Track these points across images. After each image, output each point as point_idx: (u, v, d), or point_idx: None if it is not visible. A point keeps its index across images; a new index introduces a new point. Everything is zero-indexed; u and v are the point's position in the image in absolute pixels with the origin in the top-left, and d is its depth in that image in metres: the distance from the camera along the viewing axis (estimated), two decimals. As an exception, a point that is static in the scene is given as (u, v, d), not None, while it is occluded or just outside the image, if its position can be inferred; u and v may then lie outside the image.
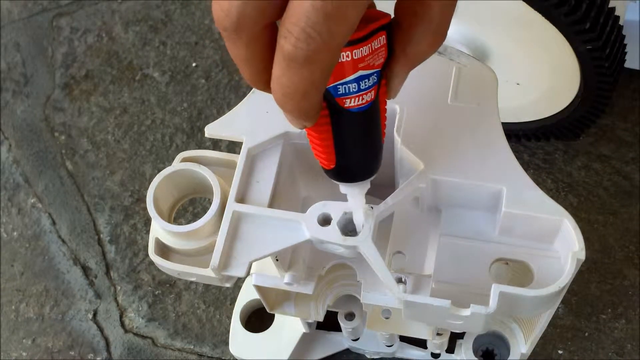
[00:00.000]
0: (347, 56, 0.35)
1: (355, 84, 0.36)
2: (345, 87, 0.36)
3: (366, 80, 0.37)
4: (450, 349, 0.67)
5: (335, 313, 0.62)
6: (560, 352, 0.71)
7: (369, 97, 0.37)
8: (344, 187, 0.42)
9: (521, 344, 0.64)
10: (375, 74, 0.37)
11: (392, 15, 0.37)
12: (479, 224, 0.48)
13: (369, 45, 0.36)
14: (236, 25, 0.32)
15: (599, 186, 0.77)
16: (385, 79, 0.38)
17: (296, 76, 0.32)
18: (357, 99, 0.37)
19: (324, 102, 0.37)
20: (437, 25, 0.36)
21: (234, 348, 0.70)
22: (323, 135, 0.39)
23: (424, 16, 0.36)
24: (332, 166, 0.40)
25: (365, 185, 0.42)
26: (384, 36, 0.36)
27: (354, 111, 0.37)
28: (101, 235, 0.80)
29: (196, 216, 0.78)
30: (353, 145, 0.39)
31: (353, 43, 0.35)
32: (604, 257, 0.74)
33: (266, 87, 0.35)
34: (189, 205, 0.78)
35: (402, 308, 0.46)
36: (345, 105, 0.37)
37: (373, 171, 0.41)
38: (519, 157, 0.75)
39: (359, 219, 0.44)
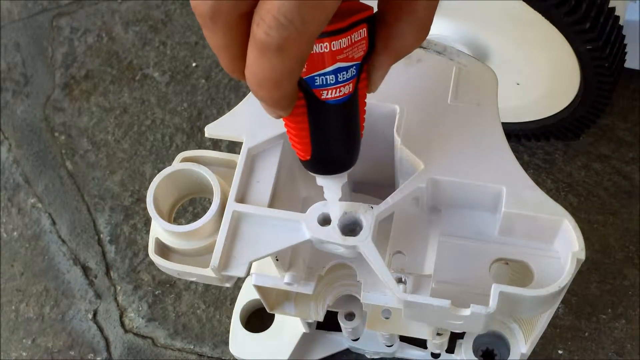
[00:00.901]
0: (326, 47, 0.35)
1: (333, 75, 0.36)
2: (322, 79, 0.36)
3: (344, 72, 0.36)
4: (450, 349, 0.67)
5: (335, 313, 0.62)
6: (560, 352, 0.71)
7: (346, 89, 0.37)
8: (320, 179, 0.42)
9: (521, 344, 0.64)
10: (354, 67, 0.36)
11: (375, 9, 0.37)
12: (479, 224, 0.48)
13: (349, 37, 0.35)
14: (212, 12, 0.32)
15: (599, 186, 0.77)
16: (366, 73, 0.38)
17: (268, 64, 0.32)
18: (334, 91, 0.36)
19: (300, 93, 0.36)
20: (421, 20, 0.36)
21: (234, 348, 0.70)
22: (299, 125, 0.38)
23: (409, 11, 0.35)
24: (308, 157, 0.40)
25: (342, 178, 0.42)
26: (364, 29, 0.36)
27: (331, 103, 0.37)
28: (101, 235, 0.80)
29: (196, 216, 0.78)
30: (329, 138, 0.39)
31: (332, 34, 0.35)
32: (604, 257, 0.74)
33: (242, 75, 0.34)
34: (189, 205, 0.78)
35: (402, 308, 0.46)
36: (322, 97, 0.37)
37: (349, 164, 0.41)
38: (519, 157, 0.75)
39: (334, 212, 0.44)
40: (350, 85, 0.37)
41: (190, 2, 0.32)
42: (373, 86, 0.39)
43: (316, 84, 0.36)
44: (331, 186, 0.42)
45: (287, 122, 0.39)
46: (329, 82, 0.36)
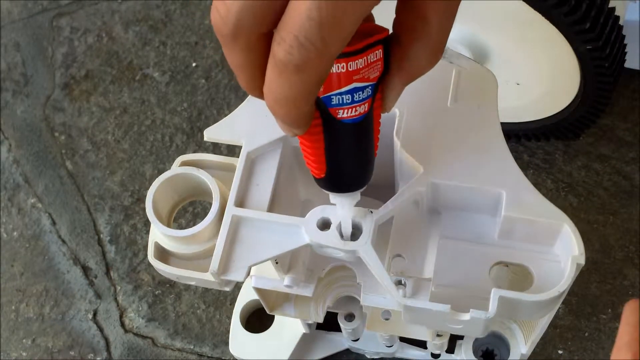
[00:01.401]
0: (343, 67, 0.35)
1: (349, 95, 0.36)
2: (339, 98, 0.36)
3: (360, 92, 0.37)
4: (450, 349, 0.67)
5: (335, 313, 0.62)
6: (560, 352, 0.71)
7: (362, 109, 0.37)
8: (333, 197, 0.42)
9: (521, 345, 0.64)
10: (370, 87, 0.37)
11: (391, 31, 0.37)
12: (478, 227, 0.48)
13: (365, 58, 0.36)
14: (233, 32, 0.32)
15: (599, 186, 0.77)
16: (381, 93, 0.38)
17: (287, 83, 0.32)
18: (350, 110, 0.37)
19: (317, 112, 0.37)
20: (435, 42, 0.36)
21: (234, 348, 0.70)
22: (315, 144, 0.39)
23: (422, 33, 0.35)
24: (322, 175, 0.40)
25: (355, 196, 0.42)
26: (380, 50, 0.36)
27: (347, 122, 0.37)
28: (101, 235, 0.80)
29: (196, 216, 0.78)
30: (344, 156, 0.39)
31: (349, 55, 0.35)
32: (604, 257, 0.74)
33: (260, 93, 0.35)
34: (189, 206, 0.78)
35: (402, 312, 0.46)
36: (338, 116, 0.37)
37: (363, 183, 0.41)
38: (518, 158, 0.75)
39: (346, 229, 0.44)
40: (366, 105, 0.37)
41: (212, 21, 0.32)
42: (387, 106, 0.39)
43: (332, 103, 0.37)
44: (344, 204, 0.43)
45: (303, 141, 0.39)
46: (345, 102, 0.37)
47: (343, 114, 0.37)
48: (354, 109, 0.37)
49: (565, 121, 0.70)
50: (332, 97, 0.36)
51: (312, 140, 0.39)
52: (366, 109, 0.37)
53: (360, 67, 0.36)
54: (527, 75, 0.69)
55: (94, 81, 0.87)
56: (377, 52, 0.36)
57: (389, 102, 0.39)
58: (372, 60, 0.36)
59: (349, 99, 0.37)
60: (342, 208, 0.43)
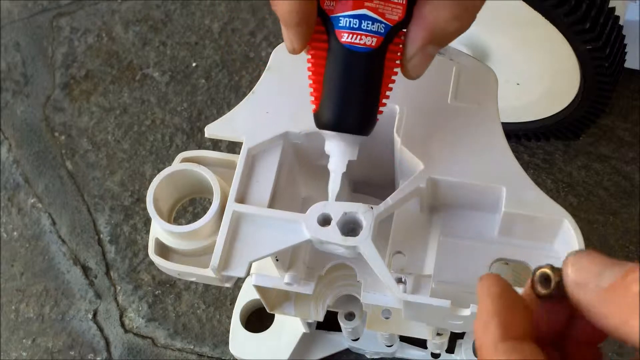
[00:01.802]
0: None
1: (357, 20, 0.37)
2: (346, 21, 0.37)
3: (369, 22, 0.37)
4: (450, 349, 0.67)
5: (335, 313, 0.62)
6: (560, 352, 0.71)
7: (368, 41, 0.37)
8: (328, 143, 0.42)
9: (521, 344, 0.64)
10: (382, 24, 0.37)
11: None
12: (479, 224, 0.48)
13: None
14: None
15: (599, 186, 0.77)
16: (402, 47, 0.38)
17: None
18: (355, 36, 0.37)
19: (324, 35, 0.38)
20: None
21: (234, 348, 0.70)
22: (317, 69, 0.39)
23: None
24: (317, 106, 0.40)
25: (349, 148, 0.41)
26: None
27: (348, 48, 0.38)
28: (101, 235, 0.80)
29: (196, 216, 0.78)
30: (340, 86, 0.39)
31: None
32: (604, 257, 0.74)
33: None
34: (189, 206, 0.78)
35: (402, 308, 0.46)
36: (342, 40, 0.38)
37: (355, 126, 0.40)
38: (519, 157, 0.74)
39: (333, 186, 0.43)
40: (374, 39, 0.38)
41: None
42: (406, 62, 0.39)
43: (340, 24, 0.38)
44: (337, 154, 0.42)
45: (309, 65, 0.40)
46: (351, 26, 0.37)
47: (347, 38, 0.38)
48: (359, 37, 0.37)
49: (565, 121, 0.70)
50: (340, 18, 0.37)
51: (315, 64, 0.39)
52: (373, 44, 0.37)
53: None
54: (527, 75, 0.69)
55: (94, 81, 0.87)
56: None
57: (407, 58, 0.38)
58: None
59: (356, 24, 0.37)
60: (333, 158, 0.42)
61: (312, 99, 0.41)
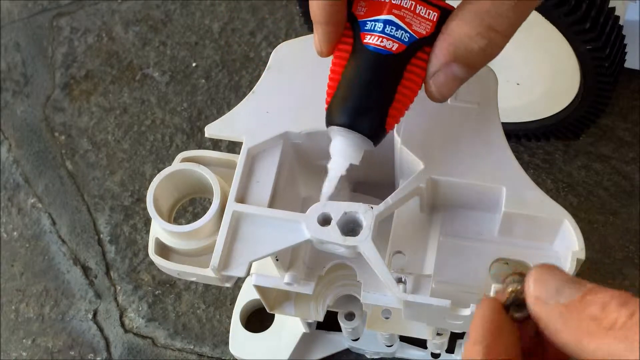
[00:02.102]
0: None
1: (382, 24, 0.38)
2: (372, 24, 0.39)
3: (393, 28, 0.38)
4: (450, 349, 0.67)
5: (336, 313, 0.62)
6: (560, 352, 0.71)
7: (389, 44, 0.38)
8: (333, 141, 0.42)
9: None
10: (407, 33, 0.38)
11: None
12: (479, 224, 0.48)
13: (413, 3, 0.38)
14: None
15: (599, 186, 0.77)
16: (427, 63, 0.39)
17: None
18: (376, 38, 0.39)
19: (350, 39, 0.39)
20: (484, 11, 0.36)
21: (234, 348, 0.70)
22: (337, 68, 0.40)
23: (471, 3, 0.36)
24: (329, 101, 0.41)
25: (353, 151, 0.41)
26: (435, 13, 0.39)
27: (368, 48, 0.39)
28: (101, 235, 0.80)
29: (196, 216, 0.78)
30: (353, 83, 0.40)
31: None
32: (604, 257, 0.74)
33: None
34: (189, 206, 0.78)
35: (402, 308, 0.46)
36: (364, 41, 0.39)
37: (364, 126, 0.40)
38: (519, 157, 0.74)
39: (328, 188, 0.44)
40: (395, 45, 0.39)
41: None
42: (429, 79, 0.39)
43: (365, 28, 0.39)
44: (339, 153, 0.42)
45: (332, 65, 0.41)
46: (375, 29, 0.39)
47: (369, 39, 0.39)
48: (380, 39, 0.39)
49: (565, 121, 0.70)
50: (367, 22, 0.39)
51: (336, 64, 0.40)
52: (393, 49, 0.38)
53: (405, 6, 0.38)
54: (527, 75, 0.69)
55: (94, 81, 0.87)
56: (429, 11, 0.38)
57: (430, 71, 0.39)
58: (420, 13, 0.38)
59: (380, 28, 0.38)
60: (335, 157, 0.42)
61: (325, 97, 0.41)
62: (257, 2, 0.88)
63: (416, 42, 0.39)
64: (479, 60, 0.38)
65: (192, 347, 0.75)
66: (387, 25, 0.38)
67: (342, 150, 0.42)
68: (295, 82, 0.49)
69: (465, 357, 0.30)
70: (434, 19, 0.39)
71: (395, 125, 0.47)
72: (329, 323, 0.65)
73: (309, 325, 0.67)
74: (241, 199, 0.47)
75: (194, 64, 0.87)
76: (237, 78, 0.85)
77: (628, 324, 0.27)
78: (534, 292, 0.30)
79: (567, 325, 0.28)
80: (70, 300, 0.77)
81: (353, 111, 0.40)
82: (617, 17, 0.60)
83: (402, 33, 0.38)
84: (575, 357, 0.29)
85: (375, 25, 0.39)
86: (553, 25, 0.59)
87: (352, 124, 0.40)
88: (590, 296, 0.28)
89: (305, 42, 0.50)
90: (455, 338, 0.67)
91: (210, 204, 0.47)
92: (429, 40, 0.39)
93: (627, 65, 0.71)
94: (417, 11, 0.38)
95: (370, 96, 0.40)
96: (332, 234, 0.43)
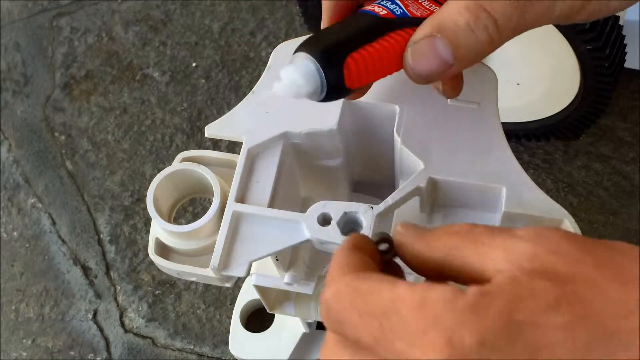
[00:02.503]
0: None
1: None
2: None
3: (390, 2, 0.40)
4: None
5: (335, 313, 0.62)
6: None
7: (378, 10, 0.39)
8: (285, 67, 0.40)
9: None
10: (400, 9, 0.39)
11: None
12: (479, 224, 0.48)
13: None
14: None
15: (599, 186, 0.77)
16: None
17: None
18: (370, 6, 0.40)
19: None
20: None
21: (234, 348, 0.70)
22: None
23: None
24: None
25: (302, 77, 0.38)
26: (434, 5, 0.40)
27: (358, 11, 0.40)
28: (101, 235, 0.80)
29: (196, 216, 0.78)
30: (330, 27, 0.41)
31: None
32: (604, 257, 0.74)
33: None
34: (189, 206, 0.78)
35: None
36: (360, 9, 0.40)
37: (319, 54, 0.38)
38: (519, 157, 0.75)
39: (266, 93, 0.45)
40: (384, 11, 0.40)
41: None
42: (409, 47, 0.39)
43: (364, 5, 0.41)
44: (288, 74, 0.38)
45: None
46: (374, 2, 0.40)
47: (364, 7, 0.40)
48: (373, 6, 0.40)
49: (565, 121, 0.70)
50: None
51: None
52: (381, 13, 0.39)
53: None
54: (527, 75, 0.69)
55: (94, 81, 0.87)
56: (432, 5, 0.40)
57: (412, 39, 0.38)
58: (422, 4, 0.40)
59: (377, 0, 0.40)
60: (281, 79, 0.38)
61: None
62: (257, 2, 0.89)
63: (407, 18, 0.39)
64: (465, 39, 0.37)
65: (192, 347, 0.75)
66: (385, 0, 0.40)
67: (291, 72, 0.38)
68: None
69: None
70: (430, 10, 0.40)
71: (395, 124, 0.47)
72: (329, 323, 0.65)
73: (309, 325, 0.67)
74: (241, 199, 0.47)
75: (194, 64, 0.87)
76: (237, 78, 0.85)
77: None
78: (399, 229, 0.33)
79: (422, 238, 0.32)
80: (70, 300, 0.78)
81: (314, 40, 0.39)
82: (617, 17, 0.60)
83: (396, 7, 0.40)
84: (424, 267, 0.32)
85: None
86: (553, 25, 0.59)
87: (308, 50, 0.38)
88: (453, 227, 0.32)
89: (305, 42, 0.50)
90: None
91: (210, 204, 0.47)
92: (420, 22, 0.39)
93: (627, 65, 0.71)
94: (420, 0, 0.40)
95: (335, 34, 0.39)
96: (332, 234, 0.43)
